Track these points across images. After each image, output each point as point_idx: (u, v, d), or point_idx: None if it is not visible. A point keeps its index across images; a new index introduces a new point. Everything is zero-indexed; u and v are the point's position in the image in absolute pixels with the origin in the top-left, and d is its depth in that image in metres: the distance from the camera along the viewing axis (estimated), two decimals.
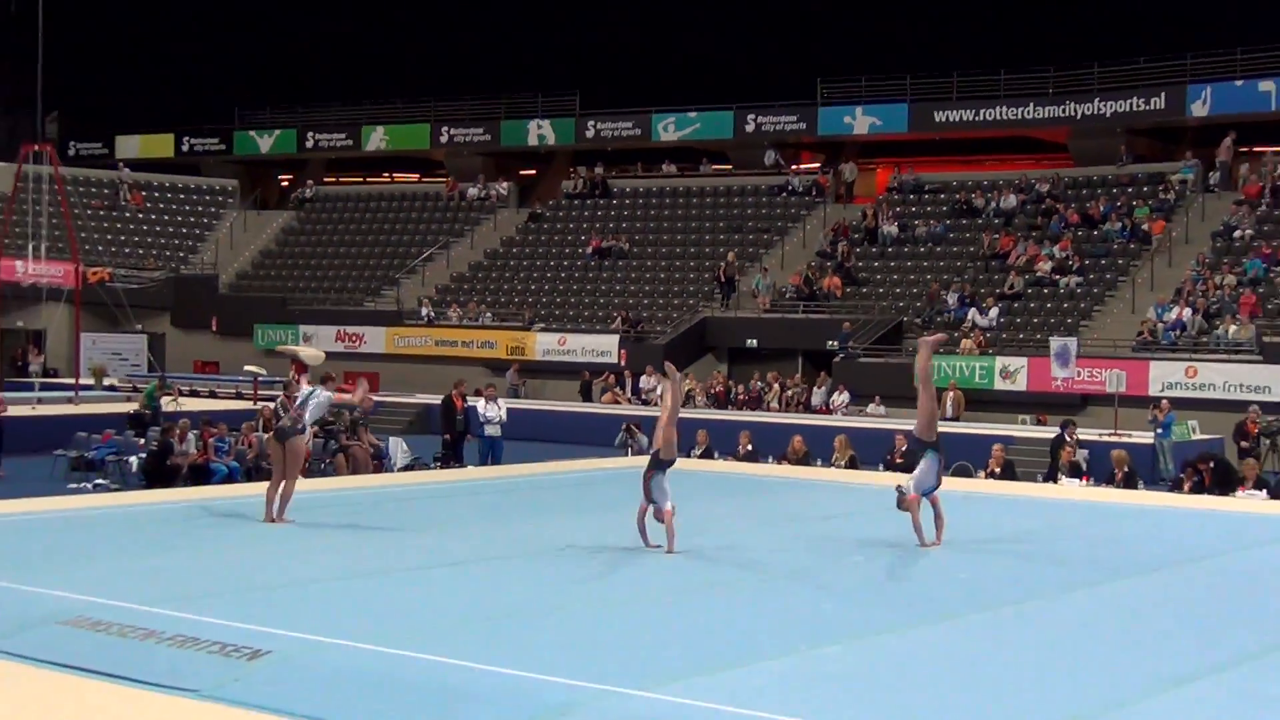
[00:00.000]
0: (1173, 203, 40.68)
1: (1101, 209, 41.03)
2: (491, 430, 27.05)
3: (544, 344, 42.84)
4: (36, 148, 38.96)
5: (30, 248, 38.73)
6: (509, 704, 8.66)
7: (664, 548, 13.94)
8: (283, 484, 16.10)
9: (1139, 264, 38.72)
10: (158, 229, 55.09)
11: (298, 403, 16.69)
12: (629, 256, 47.15)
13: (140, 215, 55.52)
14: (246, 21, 62.12)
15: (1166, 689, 9.42)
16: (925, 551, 14.67)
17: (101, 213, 53.82)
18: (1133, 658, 10.36)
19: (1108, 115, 43.31)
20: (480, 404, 27.53)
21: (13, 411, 27.75)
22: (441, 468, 26.34)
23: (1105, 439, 28.78)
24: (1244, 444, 27.61)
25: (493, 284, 47.83)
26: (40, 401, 33.18)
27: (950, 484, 22.45)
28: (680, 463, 25.21)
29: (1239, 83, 41.31)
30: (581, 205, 51.16)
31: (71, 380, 37.67)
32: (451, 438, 27.50)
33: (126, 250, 52.46)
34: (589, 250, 47.74)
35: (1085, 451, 25.65)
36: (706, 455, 26.61)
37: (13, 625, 10.60)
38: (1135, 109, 42.96)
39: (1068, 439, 25.38)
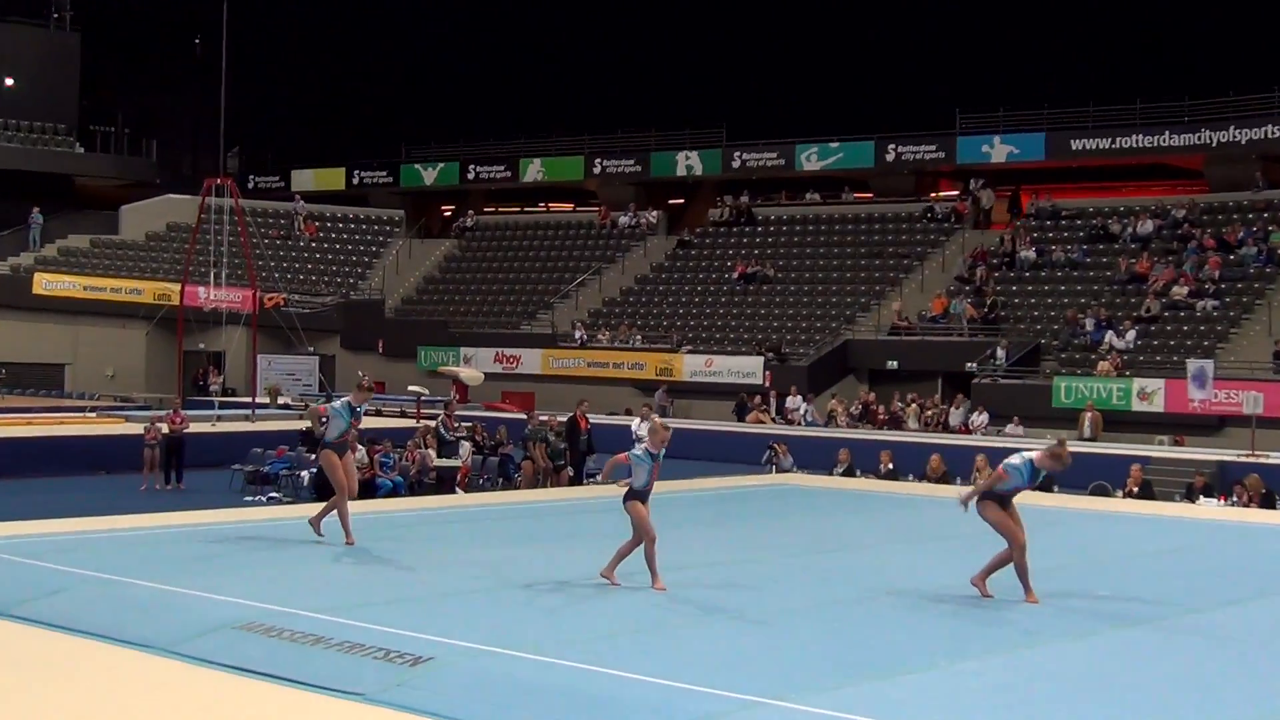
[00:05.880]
0: None
1: (1238, 235, 40.07)
2: None
3: (691, 365, 42.76)
4: (219, 181, 39.70)
5: (212, 275, 39.47)
6: (659, 713, 8.61)
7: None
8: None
9: (1274, 287, 37.70)
10: (329, 257, 55.92)
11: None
12: (774, 281, 46.97)
13: (313, 244, 56.42)
14: (412, 60, 63.13)
15: None
16: (1065, 568, 14.36)
17: (278, 242, 54.77)
18: (1269, 679, 10.05)
19: (1243, 142, 42.25)
20: (635, 422, 27.45)
21: (194, 428, 28.23)
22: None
23: (1243, 460, 28.01)
24: None
25: (642, 308, 47.89)
26: (219, 419, 33.79)
27: (1088, 503, 22.13)
28: (823, 480, 25.16)
29: None
30: (728, 232, 51.05)
31: (249, 399, 38.37)
32: (572, 456, 26.73)
33: (300, 277, 53.32)
34: (735, 276, 47.63)
35: None
36: (848, 473, 26.41)
37: (192, 630, 10.79)
38: (1270, 136, 41.82)
39: None
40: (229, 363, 46.46)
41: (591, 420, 28.14)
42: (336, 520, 15.39)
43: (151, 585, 12.33)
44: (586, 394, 39.17)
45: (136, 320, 48.26)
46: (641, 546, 12.81)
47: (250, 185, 59.66)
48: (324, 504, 15.92)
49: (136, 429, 28.58)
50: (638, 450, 12.74)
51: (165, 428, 26.82)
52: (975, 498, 12.89)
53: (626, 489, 12.92)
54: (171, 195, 56.67)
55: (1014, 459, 12.78)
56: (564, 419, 27.91)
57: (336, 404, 15.58)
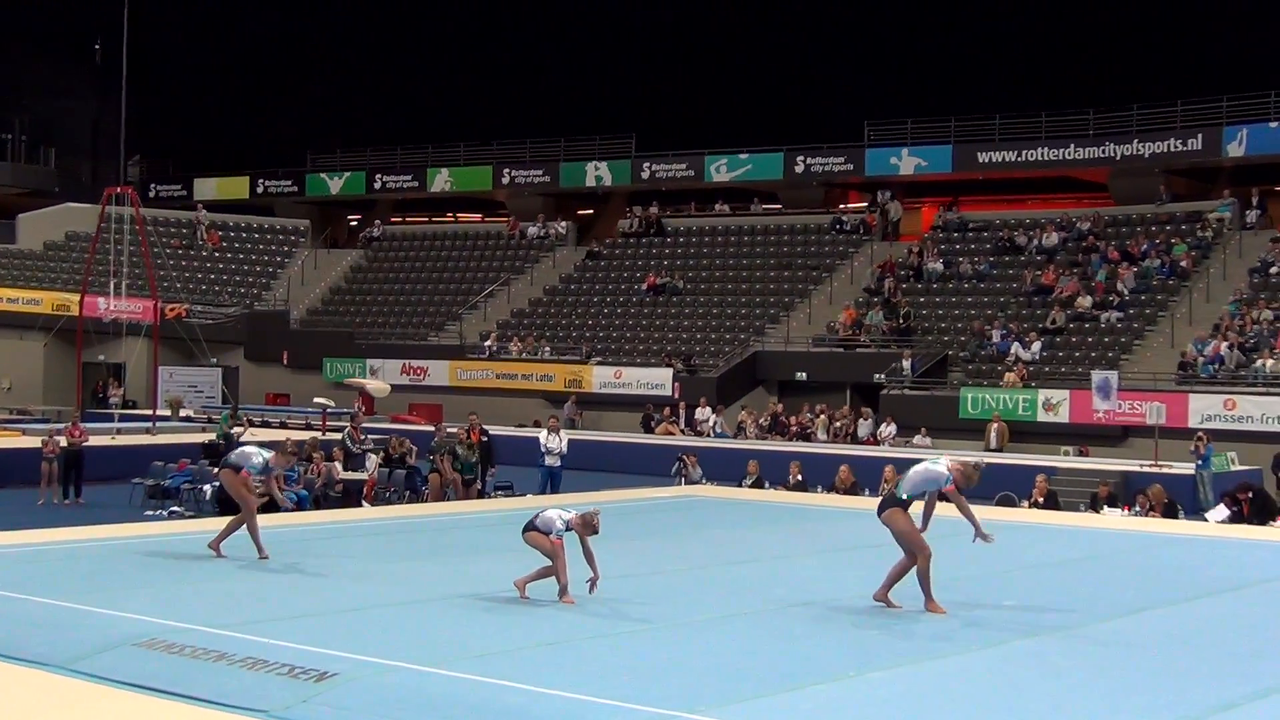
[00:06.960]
0: (1210, 240, 40.31)
1: (1141, 247, 40.72)
2: (551, 460, 26.75)
3: (601, 377, 42.80)
4: (119, 190, 39.28)
5: (112, 285, 39.05)
6: None
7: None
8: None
9: (1177, 299, 38.37)
10: (233, 267, 55.45)
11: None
12: (683, 293, 47.14)
13: (216, 254, 55.93)
14: (318, 68, 62.69)
15: (1206, 716, 9.27)
16: (971, 579, 14.52)
17: (180, 252, 54.25)
18: (1173, 685, 10.22)
19: (1146, 156, 42.98)
20: (543, 435, 27.31)
21: (93, 441, 27.92)
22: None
23: (1147, 470, 28.47)
24: None
25: (551, 319, 47.88)
26: (119, 432, 33.37)
27: (995, 513, 22.37)
28: (732, 491, 25.24)
29: (1274, 124, 40.90)
30: (637, 244, 51.18)
31: (149, 411, 37.93)
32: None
33: (203, 287, 52.83)
34: (644, 287, 47.74)
35: None
36: (757, 485, 26.51)
37: (90, 647, 10.65)
38: (1173, 150, 42.59)
39: None
40: (129, 375, 45.90)
41: (500, 433, 28.00)
42: (244, 535, 15.28)
43: (49, 602, 12.17)
44: (495, 406, 39.25)
45: (34, 331, 47.53)
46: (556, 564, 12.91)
47: (152, 194, 59.06)
48: (227, 523, 15.82)
49: (34, 442, 28.25)
50: (559, 525, 12.90)
51: (64, 441, 26.44)
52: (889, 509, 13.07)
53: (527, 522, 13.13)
54: (71, 204, 55.88)
55: (937, 466, 12.98)
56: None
57: (257, 462, 15.56)
